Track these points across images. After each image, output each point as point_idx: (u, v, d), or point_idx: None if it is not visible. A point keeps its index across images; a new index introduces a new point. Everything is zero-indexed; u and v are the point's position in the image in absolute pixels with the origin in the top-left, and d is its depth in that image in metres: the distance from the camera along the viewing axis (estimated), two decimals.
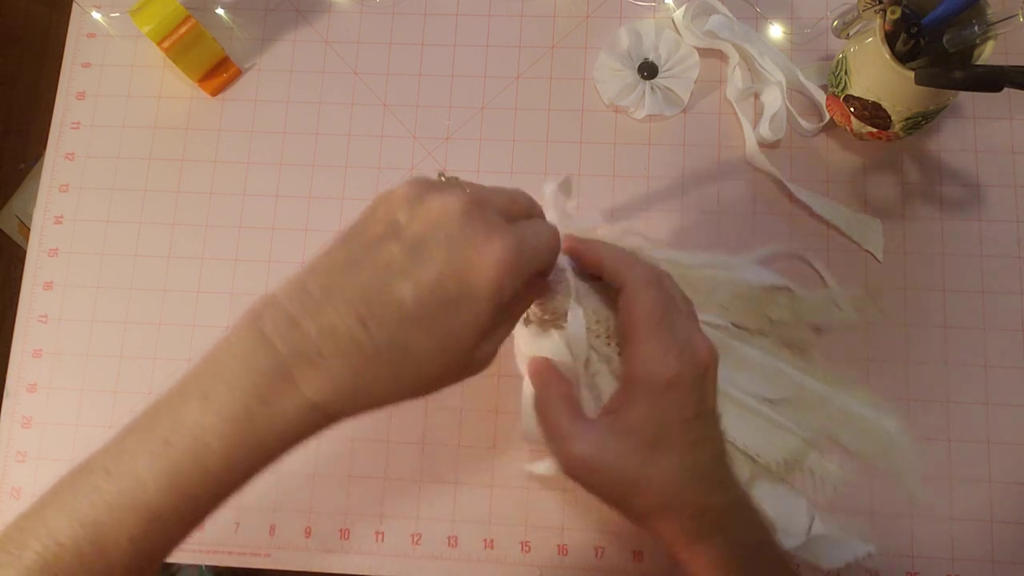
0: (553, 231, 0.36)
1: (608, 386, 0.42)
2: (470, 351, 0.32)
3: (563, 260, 0.42)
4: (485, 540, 0.55)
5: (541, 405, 0.40)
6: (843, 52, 0.53)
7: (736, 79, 0.59)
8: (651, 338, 0.37)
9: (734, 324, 0.52)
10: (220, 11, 0.65)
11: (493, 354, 0.35)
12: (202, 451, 0.32)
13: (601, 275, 0.41)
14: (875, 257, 0.56)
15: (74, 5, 0.66)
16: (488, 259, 0.30)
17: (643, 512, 0.38)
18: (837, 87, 0.54)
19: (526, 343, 0.44)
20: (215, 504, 0.34)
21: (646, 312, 0.38)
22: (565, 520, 0.55)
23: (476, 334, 0.31)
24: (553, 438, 0.39)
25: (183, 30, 0.59)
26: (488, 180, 0.60)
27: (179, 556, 0.56)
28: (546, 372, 0.41)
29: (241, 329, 0.31)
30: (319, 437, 0.58)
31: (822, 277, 0.56)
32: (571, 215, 0.48)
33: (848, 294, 0.55)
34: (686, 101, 0.60)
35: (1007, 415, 0.54)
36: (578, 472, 0.38)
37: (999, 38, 0.48)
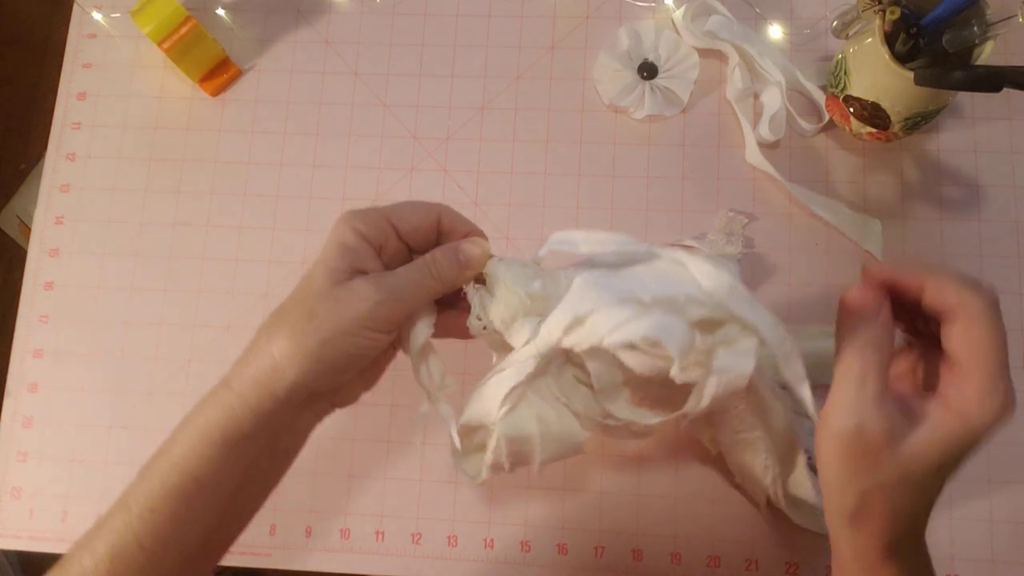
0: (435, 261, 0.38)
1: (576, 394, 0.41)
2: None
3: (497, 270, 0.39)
4: (485, 540, 0.55)
5: (839, 348, 0.36)
6: (842, 52, 0.53)
7: (736, 79, 0.59)
8: (988, 377, 0.34)
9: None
10: (220, 12, 0.65)
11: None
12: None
13: (920, 302, 0.36)
14: (875, 257, 0.56)
15: (75, 6, 0.67)
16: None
17: (861, 522, 0.35)
18: (836, 87, 0.54)
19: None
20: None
21: (991, 346, 0.34)
22: (565, 520, 0.55)
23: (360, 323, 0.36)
24: (841, 395, 0.35)
25: (184, 31, 0.59)
26: (488, 180, 0.60)
27: None
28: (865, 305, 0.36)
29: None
30: (319, 437, 0.59)
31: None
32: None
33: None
34: (686, 101, 0.60)
35: None
36: (839, 447, 0.35)
37: (998, 38, 0.48)
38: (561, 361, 0.41)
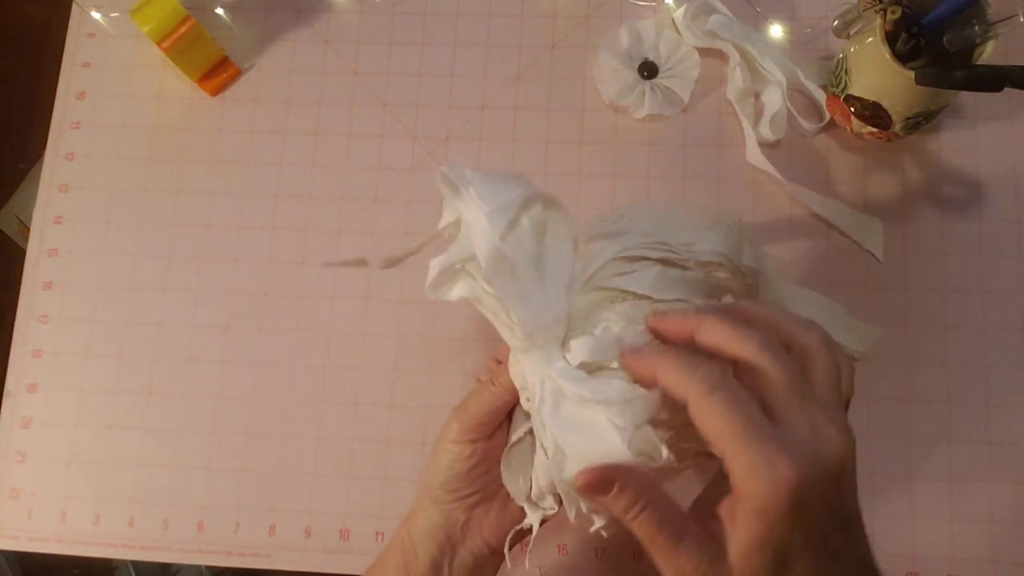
0: (488, 395, 0.42)
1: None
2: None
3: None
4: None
5: (633, 516, 0.33)
6: (843, 52, 0.53)
7: (736, 79, 0.59)
8: (746, 447, 0.29)
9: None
10: (220, 11, 0.65)
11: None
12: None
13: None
14: (875, 257, 0.56)
15: (74, 5, 0.66)
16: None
17: None
18: (837, 87, 0.54)
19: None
20: None
21: (721, 424, 0.30)
22: (565, 520, 0.54)
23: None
24: (661, 554, 0.33)
25: (183, 30, 0.59)
26: None
27: (180, 556, 0.56)
28: (624, 474, 0.34)
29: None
30: (319, 437, 0.59)
31: None
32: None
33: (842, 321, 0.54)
34: (686, 101, 0.60)
35: (1007, 415, 0.54)
36: None
37: (999, 38, 0.48)
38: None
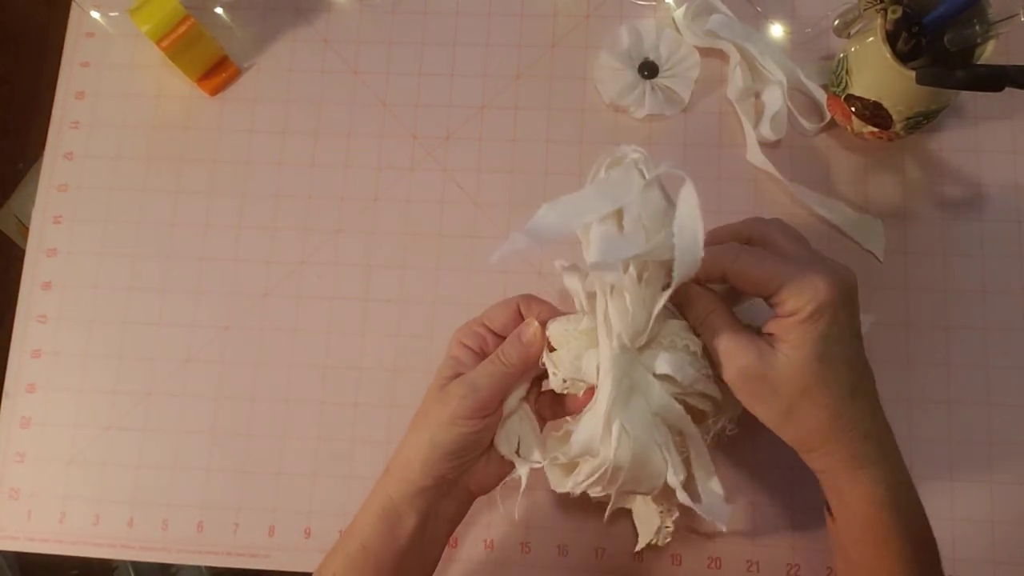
0: (498, 366, 0.43)
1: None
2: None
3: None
4: (485, 541, 0.55)
5: (704, 317, 0.41)
6: (844, 51, 0.53)
7: (737, 78, 0.59)
8: (790, 274, 0.38)
9: None
10: (219, 10, 0.65)
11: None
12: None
13: (726, 281, 0.42)
14: (876, 257, 0.56)
15: (73, 4, 0.66)
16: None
17: (811, 429, 0.39)
18: (838, 86, 0.54)
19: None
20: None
21: (766, 266, 0.39)
22: (565, 520, 0.54)
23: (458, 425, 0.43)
24: (722, 348, 0.40)
25: (182, 29, 0.59)
26: (488, 180, 0.60)
27: (179, 557, 0.56)
28: (695, 290, 0.42)
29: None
30: (319, 437, 0.58)
31: None
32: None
33: None
34: (687, 101, 0.60)
35: (1008, 415, 0.54)
36: (744, 381, 0.39)
37: (1000, 37, 0.48)
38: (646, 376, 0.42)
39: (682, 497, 0.42)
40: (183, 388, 0.59)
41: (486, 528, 0.55)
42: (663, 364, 0.41)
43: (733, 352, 0.39)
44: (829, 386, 0.39)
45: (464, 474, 0.45)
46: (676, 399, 0.41)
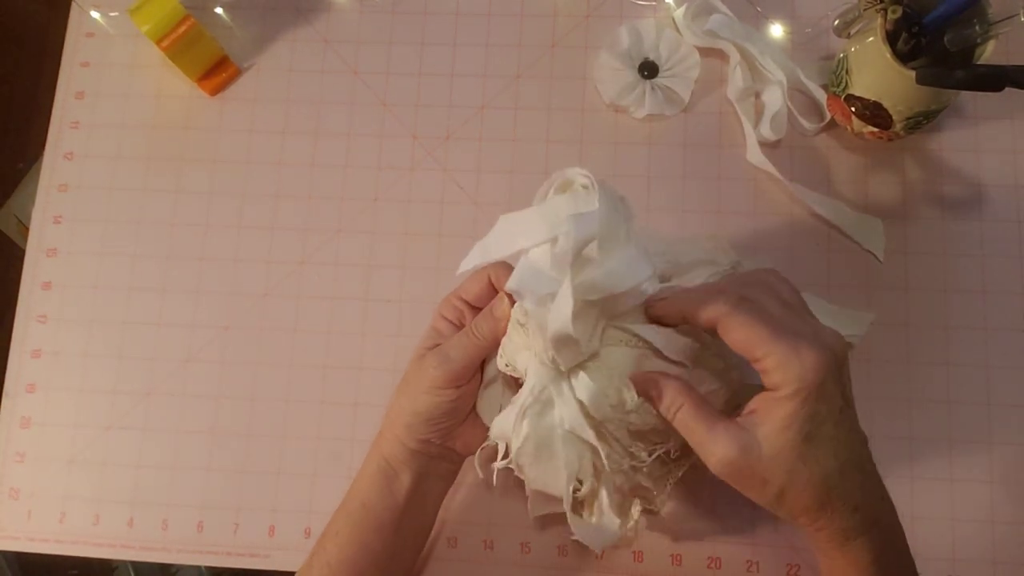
0: (470, 337, 0.45)
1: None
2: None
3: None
4: (485, 541, 0.55)
5: (673, 413, 0.40)
6: (844, 51, 0.53)
7: (737, 78, 0.59)
8: (776, 345, 0.37)
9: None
10: (219, 10, 0.65)
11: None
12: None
13: (692, 325, 0.41)
14: (876, 257, 0.56)
15: (73, 4, 0.66)
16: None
17: (801, 509, 0.38)
18: (838, 86, 0.54)
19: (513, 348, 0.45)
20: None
21: (753, 331, 0.37)
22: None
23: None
24: (697, 443, 0.39)
25: (182, 29, 0.59)
26: (488, 180, 0.60)
27: (179, 557, 0.56)
28: (663, 381, 0.41)
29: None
30: (318, 437, 0.58)
31: None
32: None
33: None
34: (687, 101, 0.60)
35: (1009, 416, 0.54)
36: (729, 473, 0.38)
37: (1000, 37, 0.48)
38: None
39: (568, 515, 0.45)
40: (183, 388, 0.59)
41: (486, 528, 0.55)
42: (582, 389, 0.42)
43: (711, 448, 0.38)
44: (818, 465, 0.37)
45: (451, 436, 0.47)
46: (592, 426, 0.42)
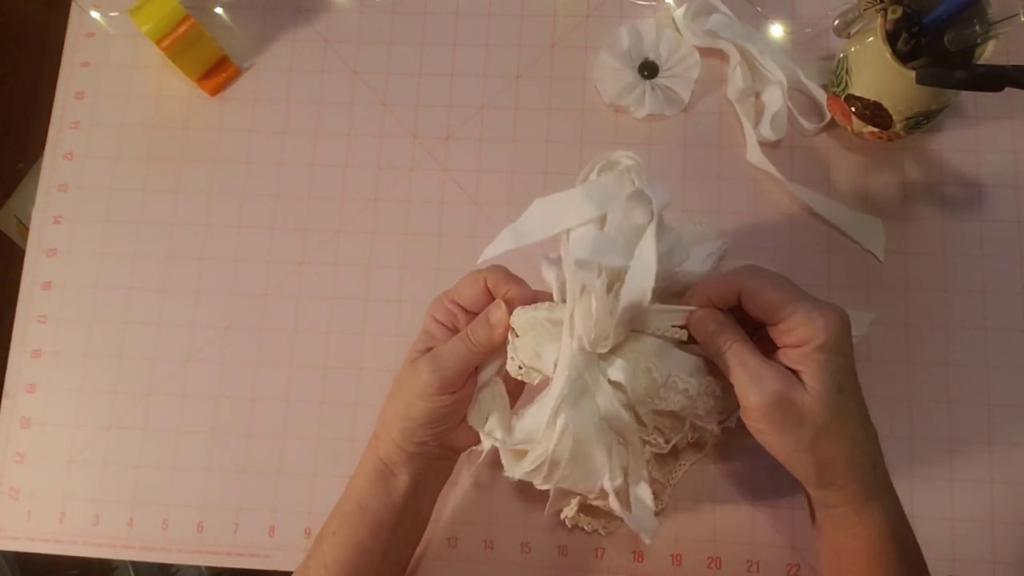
0: (464, 343, 0.44)
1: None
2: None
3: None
4: (485, 541, 0.55)
5: (729, 346, 0.41)
6: (844, 51, 0.53)
7: (737, 78, 0.59)
8: (800, 304, 0.39)
9: None
10: (219, 10, 0.65)
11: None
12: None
13: (716, 305, 0.42)
14: (876, 257, 0.56)
15: (73, 4, 0.66)
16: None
17: (829, 461, 0.39)
18: (838, 86, 0.54)
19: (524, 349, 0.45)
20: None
21: (777, 293, 0.40)
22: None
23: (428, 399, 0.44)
24: (748, 375, 0.40)
25: (182, 29, 0.59)
26: (488, 180, 0.60)
27: (179, 557, 0.56)
28: (720, 318, 0.42)
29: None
30: (318, 437, 0.58)
31: None
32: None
33: None
34: (687, 101, 0.60)
35: (1009, 415, 0.54)
36: (771, 408, 0.39)
37: (1000, 38, 0.48)
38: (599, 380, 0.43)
39: (613, 502, 0.43)
40: (183, 388, 0.59)
41: (486, 528, 0.55)
42: (617, 371, 0.41)
43: (762, 378, 0.39)
44: (850, 416, 0.39)
45: (446, 437, 0.46)
46: (627, 409, 0.42)
